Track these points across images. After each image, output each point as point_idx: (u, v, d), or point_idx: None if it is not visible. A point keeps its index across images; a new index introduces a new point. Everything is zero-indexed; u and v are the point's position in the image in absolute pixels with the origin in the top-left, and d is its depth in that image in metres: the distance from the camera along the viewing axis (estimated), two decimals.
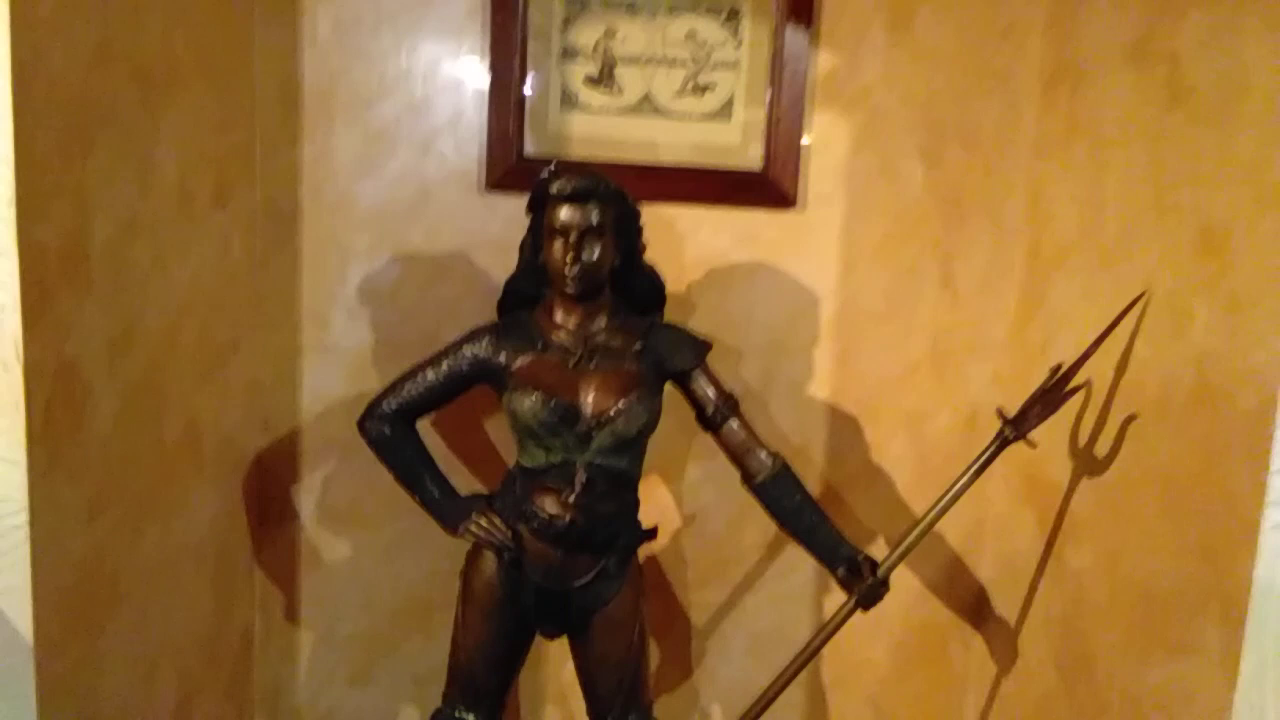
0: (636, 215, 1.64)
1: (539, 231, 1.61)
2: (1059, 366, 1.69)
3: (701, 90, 1.97)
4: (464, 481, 1.95)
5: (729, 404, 1.69)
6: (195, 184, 1.63)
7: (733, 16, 1.95)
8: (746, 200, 2.00)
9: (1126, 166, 1.70)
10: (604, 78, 1.96)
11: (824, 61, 1.98)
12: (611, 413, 1.58)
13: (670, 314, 1.79)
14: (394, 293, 1.97)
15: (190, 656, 1.73)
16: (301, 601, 2.07)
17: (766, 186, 1.99)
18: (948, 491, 1.70)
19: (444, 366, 1.65)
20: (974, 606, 2.17)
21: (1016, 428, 1.68)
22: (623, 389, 1.59)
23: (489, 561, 1.67)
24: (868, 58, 1.99)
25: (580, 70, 1.95)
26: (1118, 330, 1.65)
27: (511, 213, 1.66)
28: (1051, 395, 1.69)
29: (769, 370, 2.07)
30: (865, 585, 1.64)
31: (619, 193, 1.59)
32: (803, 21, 1.93)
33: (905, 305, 2.08)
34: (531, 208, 1.61)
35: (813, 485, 2.07)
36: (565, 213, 1.55)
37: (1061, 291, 1.90)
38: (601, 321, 1.64)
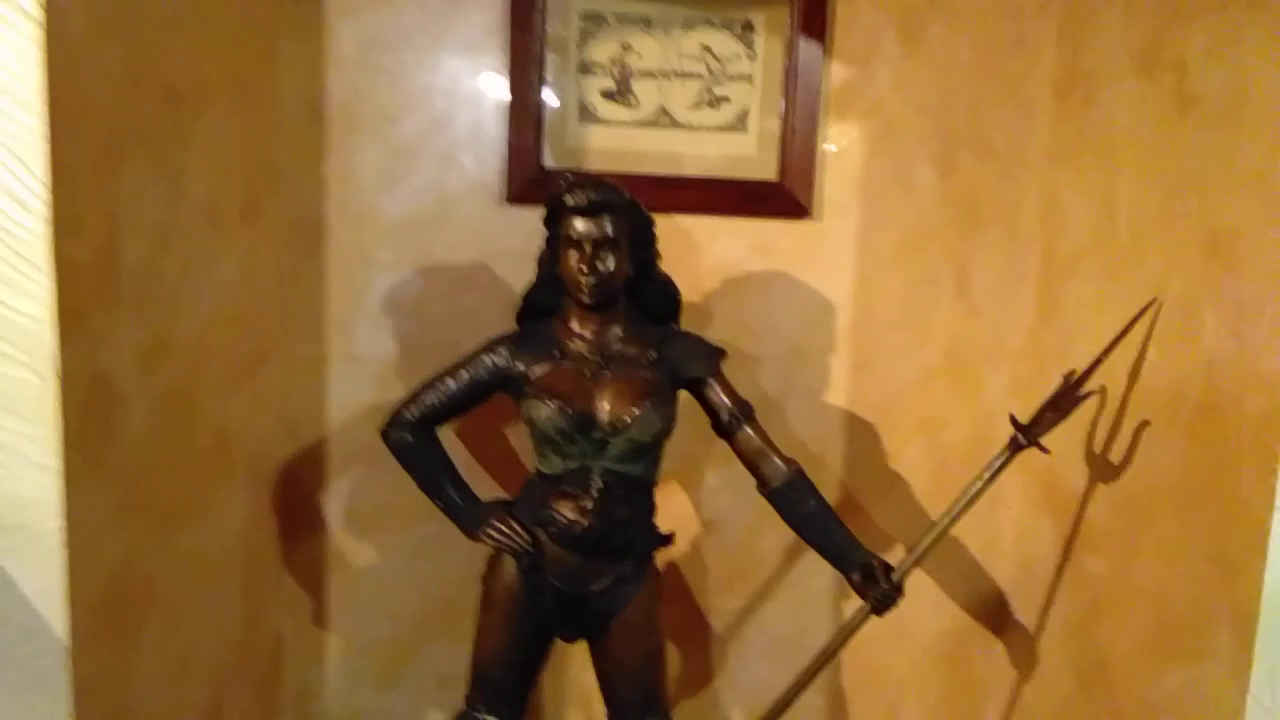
0: (650, 225, 1.67)
1: (555, 243, 1.64)
2: (1072, 373, 1.71)
3: (717, 102, 2.01)
4: (487, 488, 1.99)
5: (743, 411, 1.71)
6: (224, 199, 1.68)
7: (747, 30, 1.98)
8: (762, 210, 2.03)
9: (1137, 174, 1.71)
10: (621, 91, 1.99)
11: (837, 73, 2.01)
12: (627, 420, 1.61)
13: (688, 323, 1.82)
14: (417, 303, 2.02)
15: (221, 658, 1.78)
16: (329, 605, 2.12)
17: (782, 196, 2.02)
18: (962, 497, 1.71)
19: (464, 375, 1.69)
20: (994, 613, 2.18)
21: (1029, 434, 1.69)
22: (638, 397, 1.62)
23: (509, 566, 1.70)
24: (881, 69, 2.01)
25: (597, 84, 1.99)
26: (1131, 336, 1.66)
27: (531, 224, 1.69)
28: (1063, 401, 1.70)
29: (786, 378, 2.09)
30: (879, 590, 1.65)
31: (632, 204, 1.62)
32: (816, 34, 1.96)
33: (921, 313, 2.10)
34: (548, 220, 1.65)
35: (830, 492, 2.09)
36: (580, 225, 1.58)
37: (1076, 298, 1.91)
38: (617, 330, 1.67)
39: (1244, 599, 1.39)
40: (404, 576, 2.11)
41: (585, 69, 1.98)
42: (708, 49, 1.99)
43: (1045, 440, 1.70)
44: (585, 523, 1.63)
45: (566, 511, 1.64)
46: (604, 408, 1.62)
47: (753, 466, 1.72)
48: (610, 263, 1.59)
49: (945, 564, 2.14)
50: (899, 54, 2.01)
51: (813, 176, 2.02)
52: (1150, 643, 1.63)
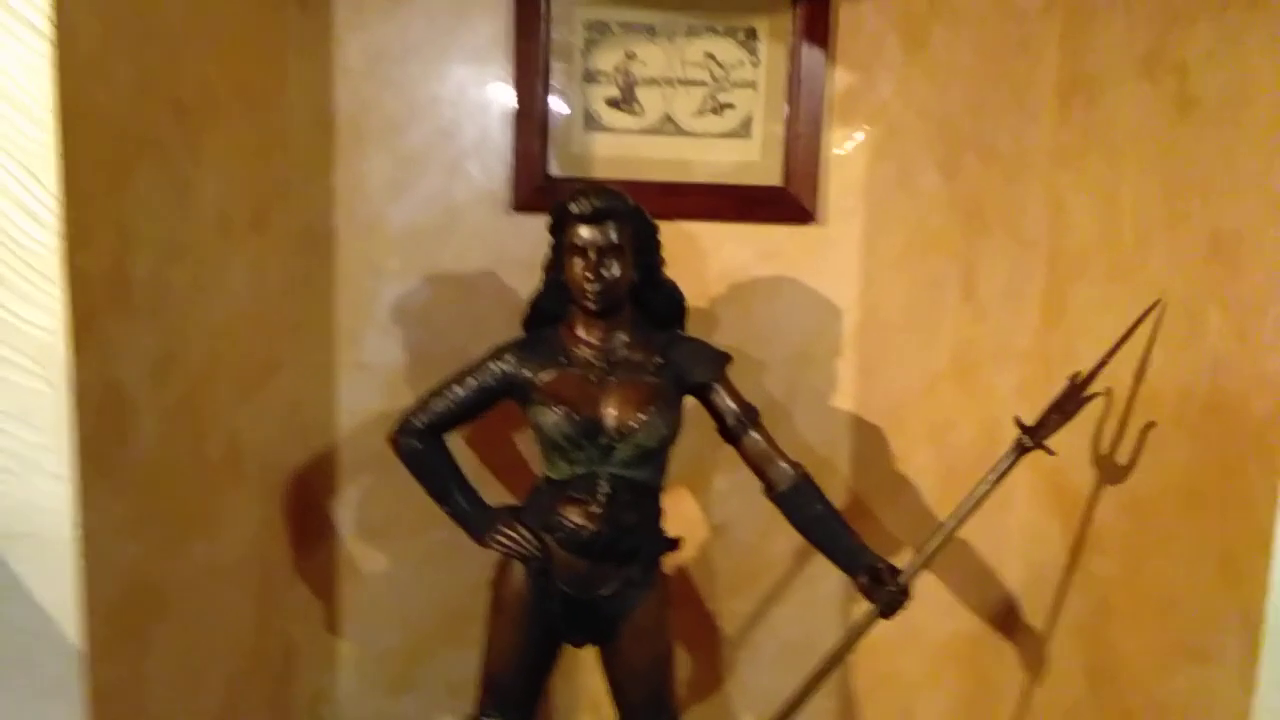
0: (654, 232, 1.68)
1: (560, 250, 1.66)
2: (1077, 375, 1.71)
3: (721, 109, 2.02)
4: (496, 494, 2.00)
5: (749, 415, 1.72)
6: (234, 210, 1.70)
7: (750, 37, 1.99)
8: (767, 215, 2.04)
9: (1140, 176, 1.72)
10: (626, 99, 2.01)
11: (841, 78, 2.02)
12: (633, 425, 1.62)
13: (694, 328, 1.83)
14: (425, 311, 2.04)
15: (234, 665, 1.79)
16: (341, 612, 2.13)
17: (787, 202, 2.03)
18: (968, 499, 1.72)
19: (471, 382, 1.70)
20: (1004, 616, 2.18)
21: (1034, 435, 1.70)
22: (643, 402, 1.63)
23: (518, 571, 1.71)
24: (884, 74, 2.02)
25: (602, 92, 2.00)
26: (1136, 338, 1.66)
27: (537, 232, 1.71)
28: (1067, 403, 1.70)
29: (793, 382, 2.10)
30: (886, 593, 1.65)
31: (636, 211, 1.64)
32: (818, 40, 1.97)
33: (927, 317, 2.10)
34: (553, 228, 1.66)
35: (838, 496, 2.09)
36: (584, 232, 1.60)
37: (1082, 301, 1.92)
38: (623, 336, 1.68)
39: (1250, 600, 1.39)
40: (415, 583, 2.12)
41: (590, 77, 2.00)
42: (711, 56, 2.00)
43: (1051, 442, 1.71)
44: (593, 528, 1.64)
45: (574, 517, 1.65)
46: (610, 413, 1.63)
47: (759, 470, 1.73)
48: (615, 269, 1.61)
49: (956, 567, 2.14)
50: (902, 59, 2.02)
51: (817, 181, 2.03)
52: (1159, 644, 1.63)
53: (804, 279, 2.07)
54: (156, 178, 1.40)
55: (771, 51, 2.00)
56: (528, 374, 1.67)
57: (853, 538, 1.70)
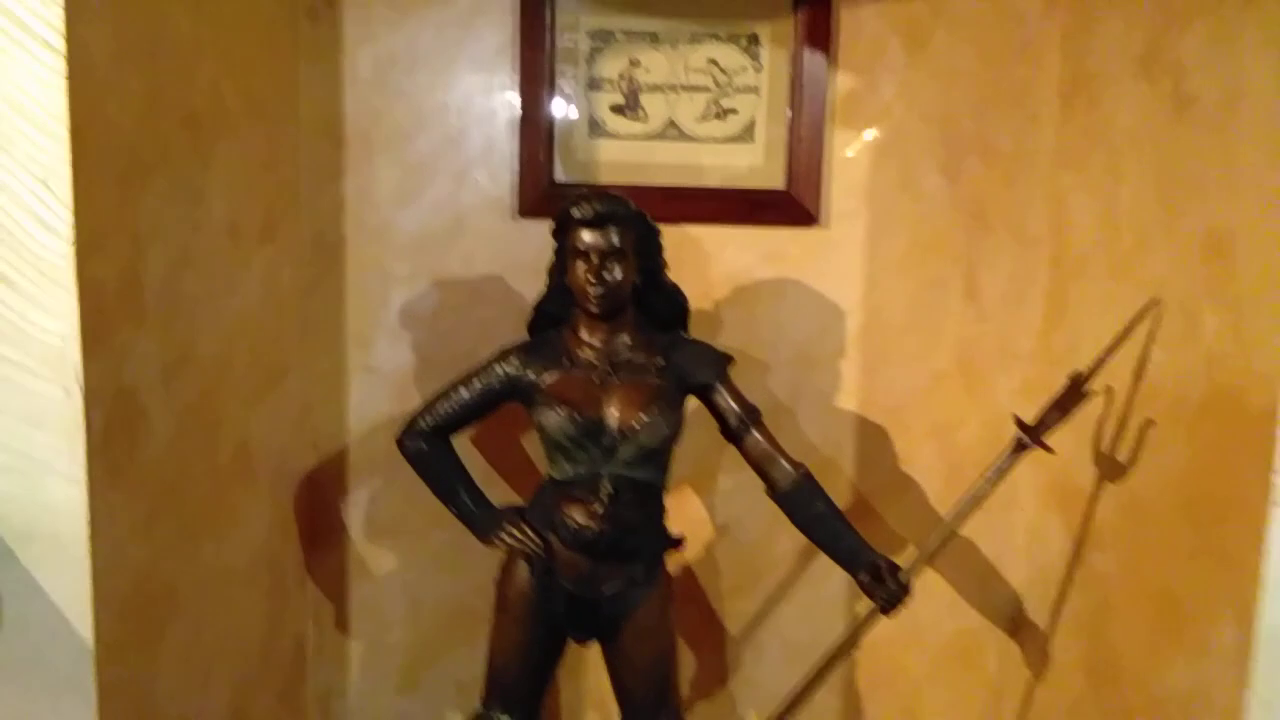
0: (656, 235, 1.70)
1: (564, 255, 1.68)
2: (1077, 374, 1.72)
3: (724, 114, 2.04)
4: (502, 494, 2.03)
5: (751, 416, 1.73)
6: (244, 219, 1.73)
7: (752, 43, 2.02)
8: (771, 219, 2.06)
9: (1138, 176, 1.73)
10: (630, 105, 2.03)
11: (843, 82, 2.03)
12: (635, 426, 1.64)
13: (698, 330, 1.85)
14: (433, 316, 2.07)
15: (245, 664, 1.82)
16: (351, 611, 2.16)
17: (790, 205, 2.05)
18: (967, 497, 1.73)
19: (476, 385, 1.73)
20: (1007, 613, 2.19)
21: (1033, 434, 1.71)
22: (646, 403, 1.66)
23: (522, 570, 1.74)
24: (886, 77, 2.04)
25: (606, 99, 2.03)
26: (1136, 337, 1.67)
27: (543, 237, 1.73)
28: (1066, 402, 1.71)
29: (797, 384, 2.12)
30: (887, 590, 1.66)
31: (638, 215, 1.66)
32: (820, 45, 1.99)
33: (930, 317, 2.12)
34: (556, 233, 1.69)
35: (843, 496, 2.11)
36: (587, 236, 1.62)
37: (1084, 300, 1.93)
38: (625, 338, 1.70)
39: (1246, 593, 1.40)
40: (424, 582, 2.15)
41: (594, 84, 2.02)
42: (714, 62, 2.02)
43: (1052, 441, 1.72)
44: (595, 527, 1.66)
45: (577, 516, 1.68)
46: (613, 414, 1.65)
47: (761, 470, 1.75)
48: (617, 272, 1.63)
49: (960, 565, 2.15)
50: (904, 62, 2.04)
51: (820, 184, 2.05)
52: (1158, 639, 1.64)
53: (807, 281, 2.09)
54: (168, 187, 1.42)
55: (773, 57, 2.02)
56: (532, 376, 1.69)
57: (854, 537, 1.72)
